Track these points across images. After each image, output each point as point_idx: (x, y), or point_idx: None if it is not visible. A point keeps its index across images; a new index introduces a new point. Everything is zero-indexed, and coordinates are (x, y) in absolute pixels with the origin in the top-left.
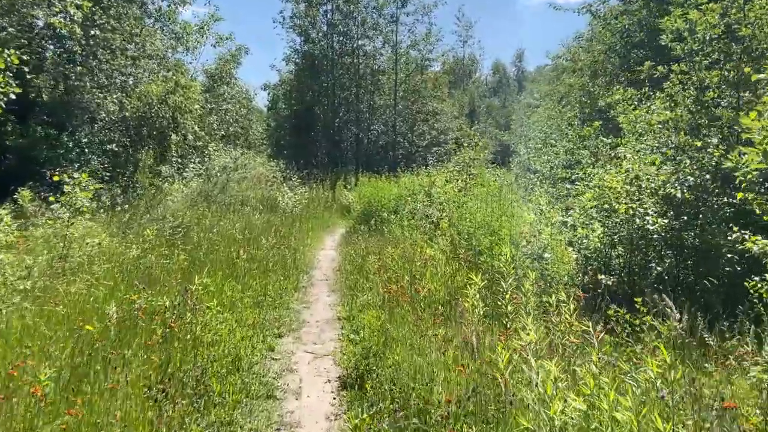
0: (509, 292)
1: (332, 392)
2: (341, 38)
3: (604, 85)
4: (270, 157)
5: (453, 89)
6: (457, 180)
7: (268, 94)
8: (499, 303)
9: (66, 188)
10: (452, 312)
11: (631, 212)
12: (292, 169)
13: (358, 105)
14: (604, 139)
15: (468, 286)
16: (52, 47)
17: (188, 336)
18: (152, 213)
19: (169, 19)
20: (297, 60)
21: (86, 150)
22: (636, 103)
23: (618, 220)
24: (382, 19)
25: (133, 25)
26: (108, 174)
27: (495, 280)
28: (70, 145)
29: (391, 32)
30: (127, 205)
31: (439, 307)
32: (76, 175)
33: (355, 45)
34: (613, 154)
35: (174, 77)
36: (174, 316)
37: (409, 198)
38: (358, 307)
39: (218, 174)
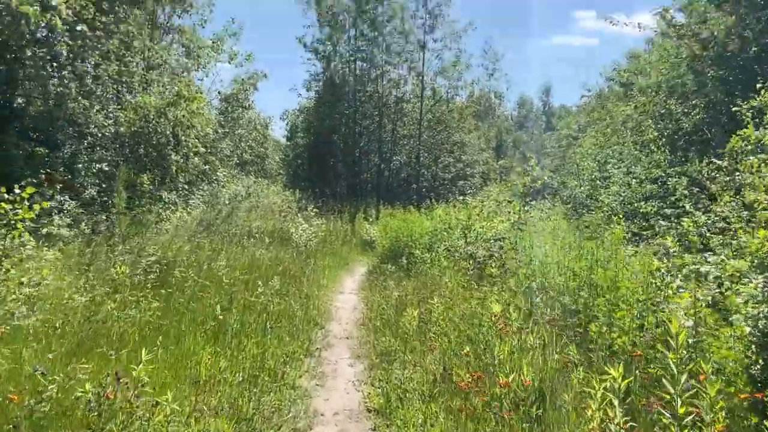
0: (682, 401)
1: None
2: (365, 64)
3: (680, 103)
4: (285, 186)
5: (479, 122)
6: (509, 212)
7: (287, 123)
8: (662, 418)
9: (2, 206)
10: (550, 415)
11: None
12: (308, 200)
13: (380, 134)
14: (717, 161)
15: (569, 368)
16: (34, 48)
17: None
18: (127, 244)
19: (180, 33)
20: (317, 88)
21: (76, 169)
22: None
23: None
24: (408, 45)
25: (134, 31)
26: (104, 199)
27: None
28: (58, 162)
29: (417, 59)
30: (110, 234)
31: (532, 408)
32: (17, 189)
33: (379, 72)
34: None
35: (177, 87)
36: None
37: (445, 233)
38: (397, 391)
39: (226, 202)
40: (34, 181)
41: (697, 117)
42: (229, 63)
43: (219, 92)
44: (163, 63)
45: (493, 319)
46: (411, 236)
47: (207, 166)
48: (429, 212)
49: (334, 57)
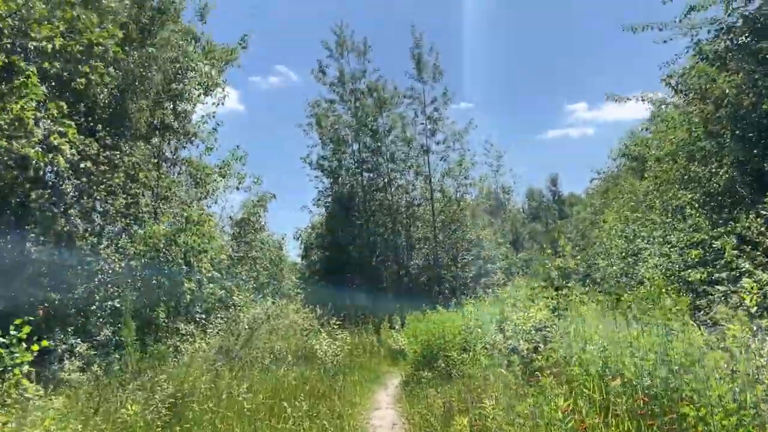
0: None
1: None
2: (371, 174)
3: (703, 165)
4: (304, 304)
5: (492, 218)
6: (546, 298)
7: (300, 243)
8: None
9: None
10: None
11: None
12: (329, 314)
13: (395, 240)
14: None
15: None
16: (39, 190)
17: None
18: (139, 380)
19: (187, 163)
20: (327, 203)
21: (90, 311)
22: None
23: None
24: (412, 151)
25: (140, 163)
26: (120, 338)
27: None
28: (70, 305)
29: (423, 163)
30: (122, 373)
31: None
32: (13, 330)
33: (386, 180)
34: None
35: (185, 213)
36: None
37: (480, 330)
38: None
39: (245, 327)
40: (31, 318)
41: (726, 176)
42: (238, 189)
43: (230, 217)
44: (172, 195)
45: (561, 415)
46: (443, 337)
47: (223, 292)
48: (458, 309)
49: (340, 171)
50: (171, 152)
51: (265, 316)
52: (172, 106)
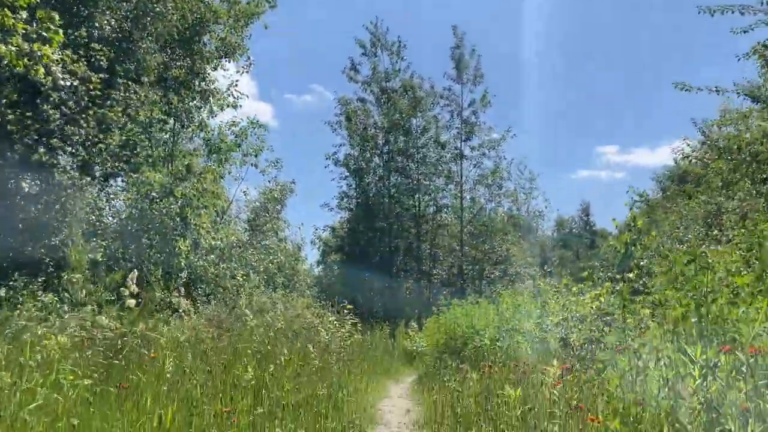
0: None
1: None
2: (399, 176)
3: None
4: (316, 299)
5: (522, 236)
6: (609, 281)
7: (318, 248)
8: None
9: None
10: None
11: None
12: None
13: (418, 248)
14: None
15: None
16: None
17: None
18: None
19: (201, 127)
20: (350, 206)
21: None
22: None
23: None
24: (444, 156)
25: (143, 101)
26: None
27: None
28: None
29: (455, 170)
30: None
31: None
32: None
33: (414, 183)
34: None
35: (186, 160)
36: None
37: (517, 322)
38: None
39: (247, 312)
40: None
41: None
42: (255, 166)
43: (244, 192)
44: (178, 153)
45: None
46: (473, 327)
47: (224, 265)
48: (491, 301)
49: (368, 171)
50: (184, 112)
51: (270, 303)
52: (189, 63)
